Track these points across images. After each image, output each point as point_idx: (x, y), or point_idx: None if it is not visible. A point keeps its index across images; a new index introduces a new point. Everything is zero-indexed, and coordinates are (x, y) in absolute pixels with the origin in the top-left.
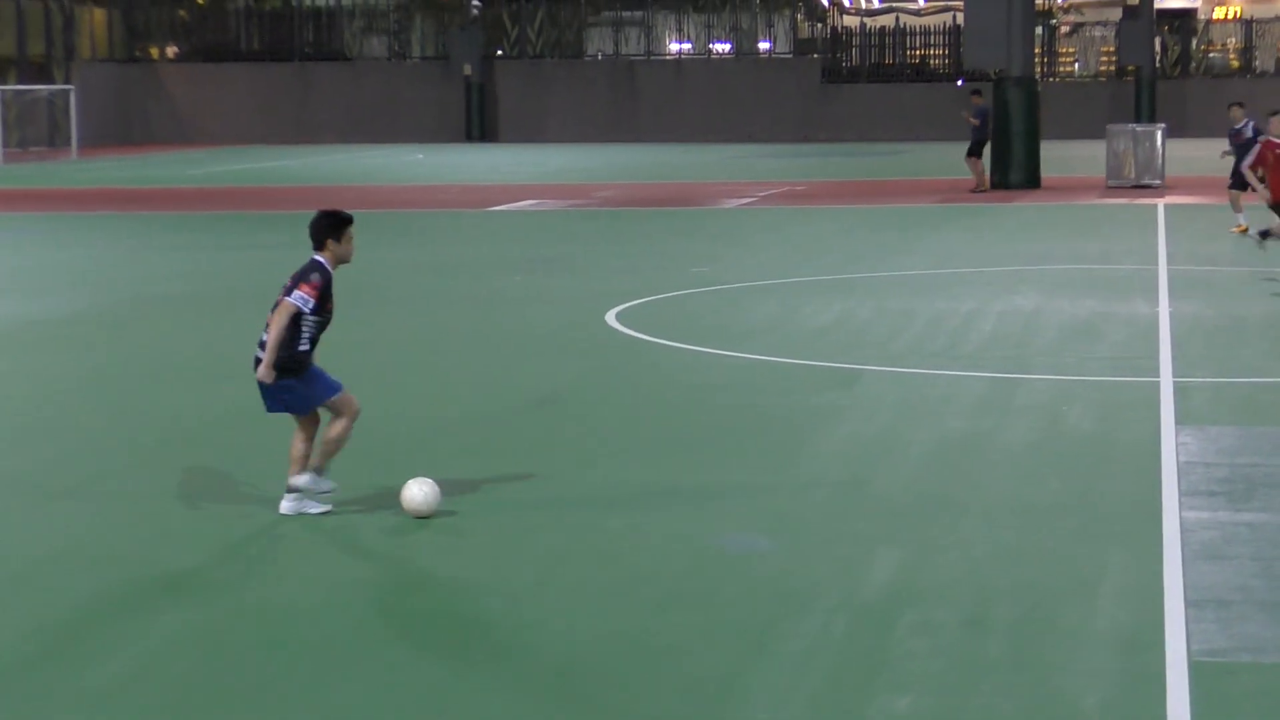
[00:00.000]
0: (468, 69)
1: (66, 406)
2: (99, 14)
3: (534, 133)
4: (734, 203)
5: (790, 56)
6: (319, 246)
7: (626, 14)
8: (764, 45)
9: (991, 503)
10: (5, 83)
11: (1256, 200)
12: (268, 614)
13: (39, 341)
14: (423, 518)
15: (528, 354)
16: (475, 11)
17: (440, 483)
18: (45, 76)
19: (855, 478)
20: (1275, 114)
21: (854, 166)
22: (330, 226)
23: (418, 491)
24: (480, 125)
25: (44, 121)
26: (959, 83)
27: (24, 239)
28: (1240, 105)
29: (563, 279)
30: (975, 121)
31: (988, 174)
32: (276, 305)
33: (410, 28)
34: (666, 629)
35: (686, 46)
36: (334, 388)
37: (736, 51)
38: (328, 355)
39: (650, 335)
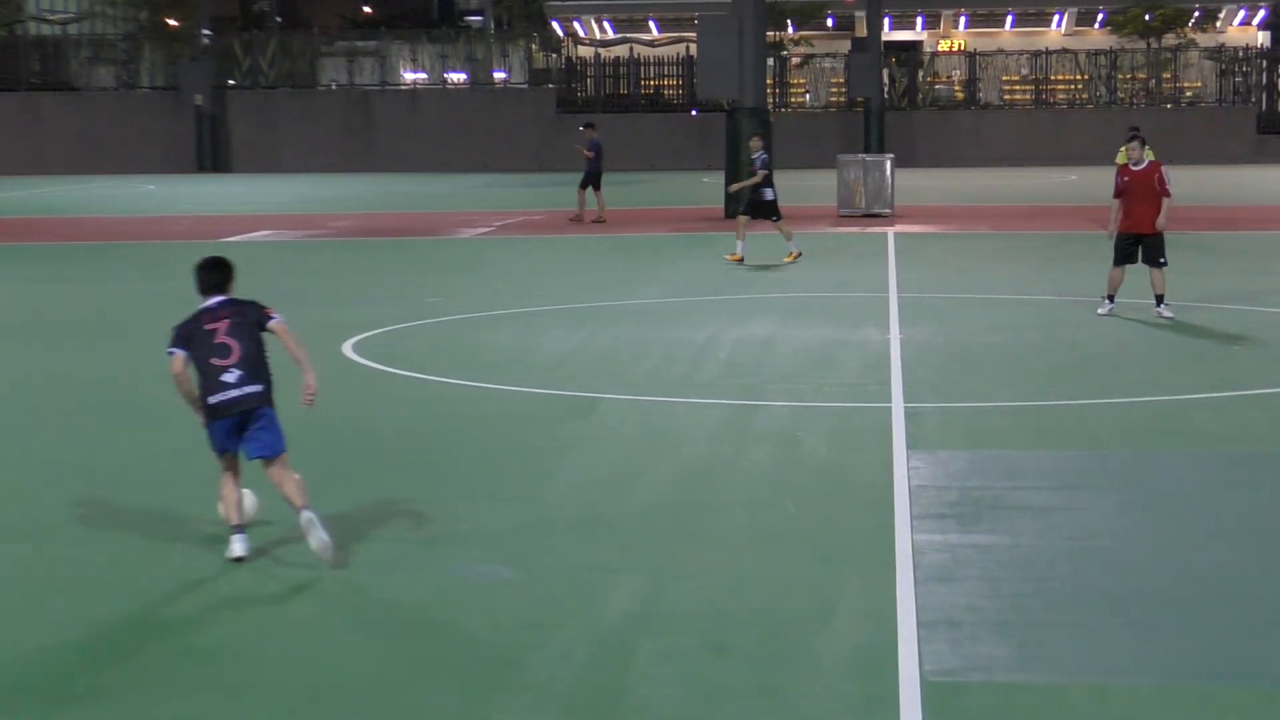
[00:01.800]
0: (199, 99)
1: None
2: None
3: (268, 163)
4: (470, 232)
5: (526, 86)
6: (225, 288)
7: (360, 44)
8: (499, 75)
9: (730, 529)
10: None
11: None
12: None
13: None
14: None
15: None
16: (205, 41)
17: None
18: None
19: (595, 506)
20: (1131, 140)
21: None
22: (229, 270)
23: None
24: (212, 156)
25: None
26: (693, 113)
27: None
28: (760, 135)
29: (298, 309)
30: (589, 154)
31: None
32: (221, 331)
33: (139, 58)
34: (404, 660)
35: (421, 76)
36: None
37: (472, 81)
38: (60, 389)
39: (387, 366)
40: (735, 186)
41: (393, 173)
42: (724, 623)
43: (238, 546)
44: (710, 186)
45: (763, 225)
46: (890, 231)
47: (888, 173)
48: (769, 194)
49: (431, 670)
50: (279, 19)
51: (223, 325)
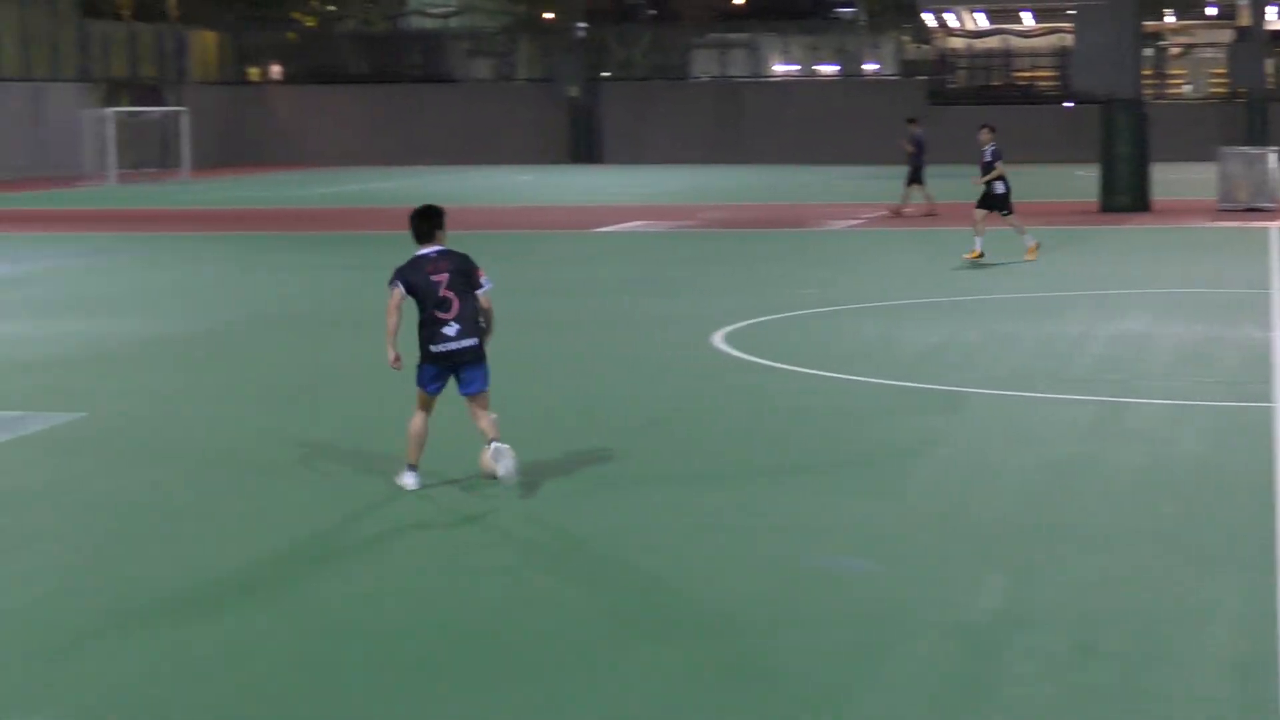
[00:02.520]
0: (573, 91)
1: (182, 425)
2: (210, 37)
3: (638, 154)
4: (840, 224)
5: (897, 78)
6: (434, 236)
7: (732, 36)
8: (870, 67)
9: (1099, 528)
10: (119, 105)
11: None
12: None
13: (152, 361)
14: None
15: (633, 376)
16: (581, 33)
17: (542, 506)
18: (157, 99)
19: (960, 502)
20: None
21: (959, 189)
22: (439, 217)
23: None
24: (585, 147)
25: (156, 143)
26: (1067, 105)
27: (136, 259)
28: (990, 127)
29: (668, 301)
30: (912, 149)
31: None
32: (443, 285)
33: (516, 50)
34: (772, 651)
35: (793, 68)
36: None
37: (843, 73)
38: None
39: (756, 357)
40: (978, 180)
41: (761, 164)
42: (1092, 622)
43: (409, 480)
44: (1084, 180)
45: (994, 220)
46: (1273, 227)
47: (1271, 166)
48: (1000, 187)
49: (794, 661)
50: (652, 11)
51: (444, 279)
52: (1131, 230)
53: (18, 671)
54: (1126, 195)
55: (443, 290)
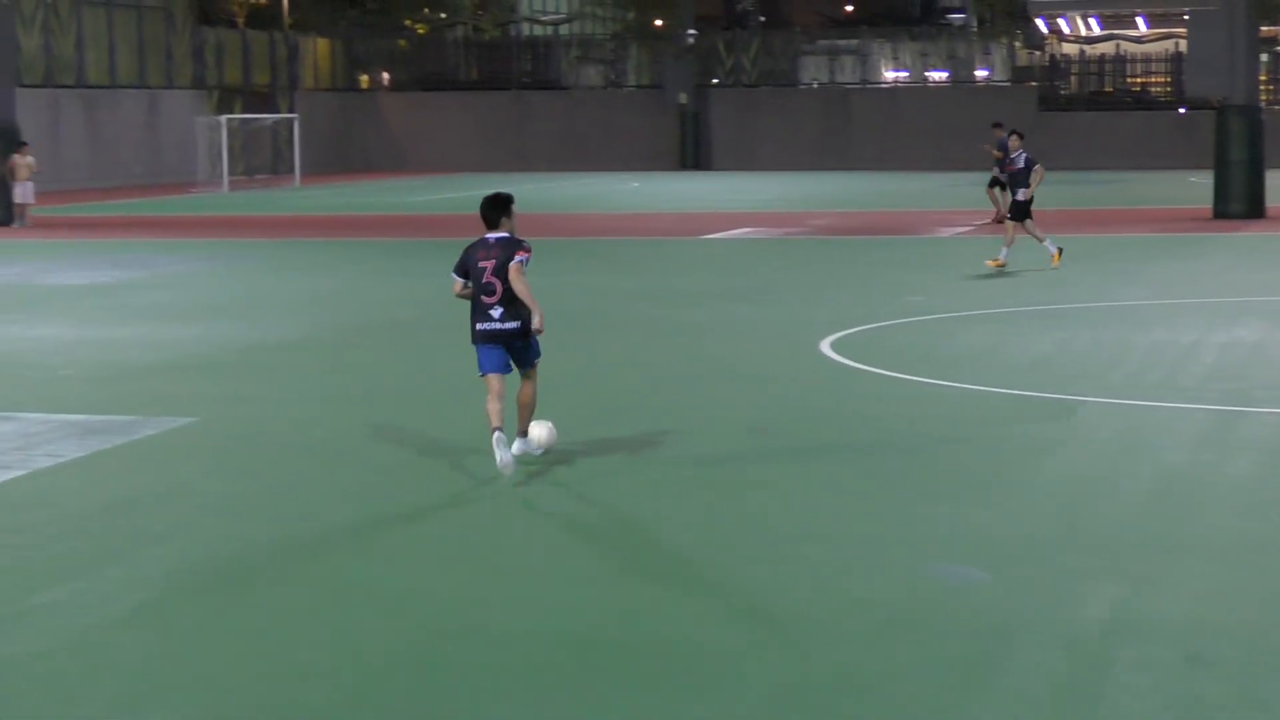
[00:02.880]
0: (682, 97)
1: (293, 430)
2: (322, 44)
3: (747, 161)
4: (949, 231)
5: (1008, 84)
6: (500, 224)
7: (842, 42)
8: (981, 73)
9: (1213, 539)
10: (232, 112)
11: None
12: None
13: (264, 366)
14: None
15: (740, 383)
16: (690, 40)
17: (645, 511)
18: (269, 105)
19: (1071, 511)
20: None
21: (1071, 195)
22: (506, 205)
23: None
24: (694, 153)
25: (268, 149)
26: (1180, 110)
27: (248, 265)
28: (1018, 134)
29: (777, 307)
30: (999, 154)
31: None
32: (489, 271)
33: (625, 57)
34: (880, 659)
35: (902, 74)
36: None
37: (953, 79)
38: (545, 380)
39: (864, 364)
40: (1025, 193)
41: (870, 171)
42: (1206, 634)
43: (499, 448)
44: (1197, 187)
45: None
46: None
47: None
48: (1022, 194)
49: (904, 671)
50: (762, 18)
51: (490, 265)
52: (1245, 237)
53: (135, 673)
54: (1240, 202)
55: (487, 275)
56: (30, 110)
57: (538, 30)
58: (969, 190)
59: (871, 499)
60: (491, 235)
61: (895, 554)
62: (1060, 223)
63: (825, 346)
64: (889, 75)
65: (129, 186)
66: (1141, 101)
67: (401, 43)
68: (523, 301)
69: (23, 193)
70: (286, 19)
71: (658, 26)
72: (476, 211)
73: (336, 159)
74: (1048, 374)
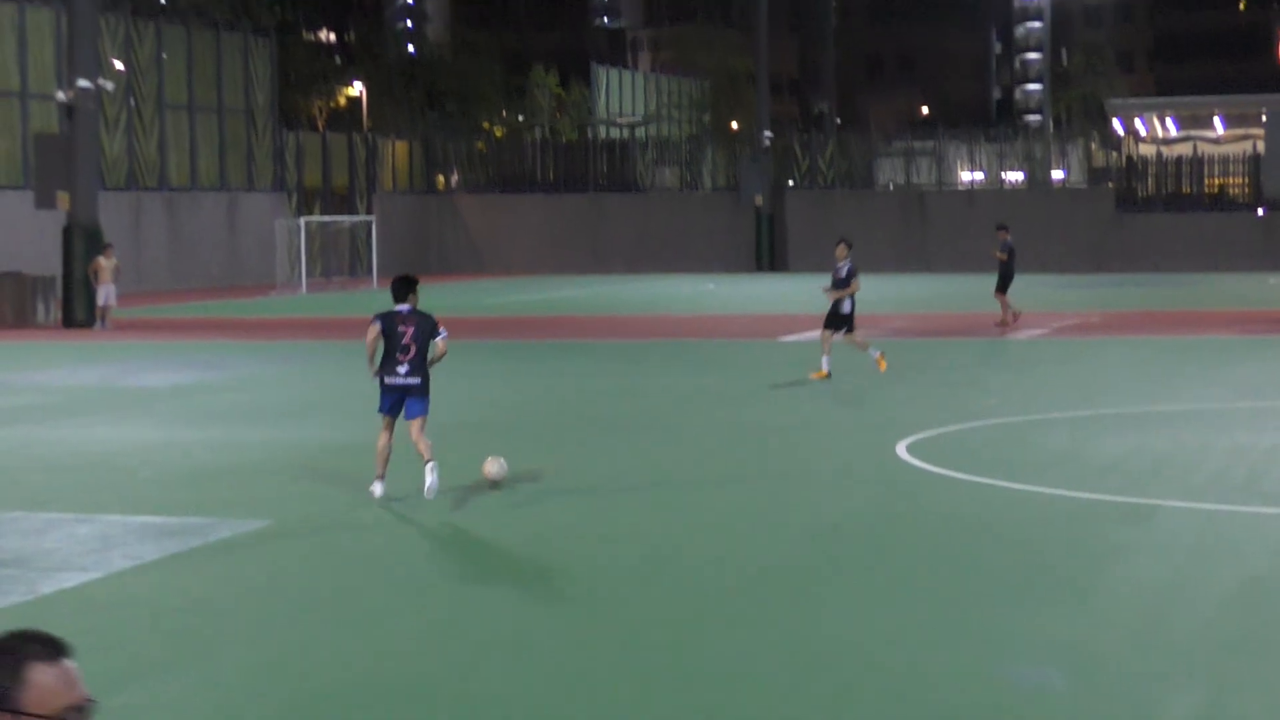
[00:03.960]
0: (758, 199)
1: (366, 532)
2: (400, 146)
3: (823, 262)
4: (1026, 334)
5: (1084, 186)
6: (407, 298)
7: (918, 144)
8: (1058, 174)
9: None
10: (311, 213)
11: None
12: None
13: (341, 468)
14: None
15: (815, 483)
16: (766, 142)
17: (719, 610)
18: (348, 207)
19: (1153, 615)
20: None
21: (1150, 297)
22: (413, 284)
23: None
24: (769, 254)
25: (346, 251)
26: (1259, 211)
27: (325, 366)
28: (846, 242)
29: (852, 409)
30: (1003, 257)
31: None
32: (408, 335)
33: (701, 159)
34: None
35: (978, 176)
36: None
37: (1029, 180)
38: (622, 482)
39: (939, 467)
40: (832, 295)
41: (947, 273)
42: None
43: (377, 489)
44: (1277, 289)
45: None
46: None
47: None
48: (847, 306)
49: None
50: (838, 120)
51: (410, 331)
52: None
53: None
54: None
55: (406, 339)
56: (113, 212)
57: (614, 132)
58: (1046, 292)
59: (948, 601)
60: (403, 307)
61: (970, 656)
62: (1138, 324)
63: (901, 449)
64: (965, 177)
65: (209, 287)
66: (1219, 202)
67: (480, 145)
68: (425, 366)
69: (105, 294)
70: (366, 121)
71: (733, 129)
72: (553, 313)
73: (414, 260)
74: (1126, 477)
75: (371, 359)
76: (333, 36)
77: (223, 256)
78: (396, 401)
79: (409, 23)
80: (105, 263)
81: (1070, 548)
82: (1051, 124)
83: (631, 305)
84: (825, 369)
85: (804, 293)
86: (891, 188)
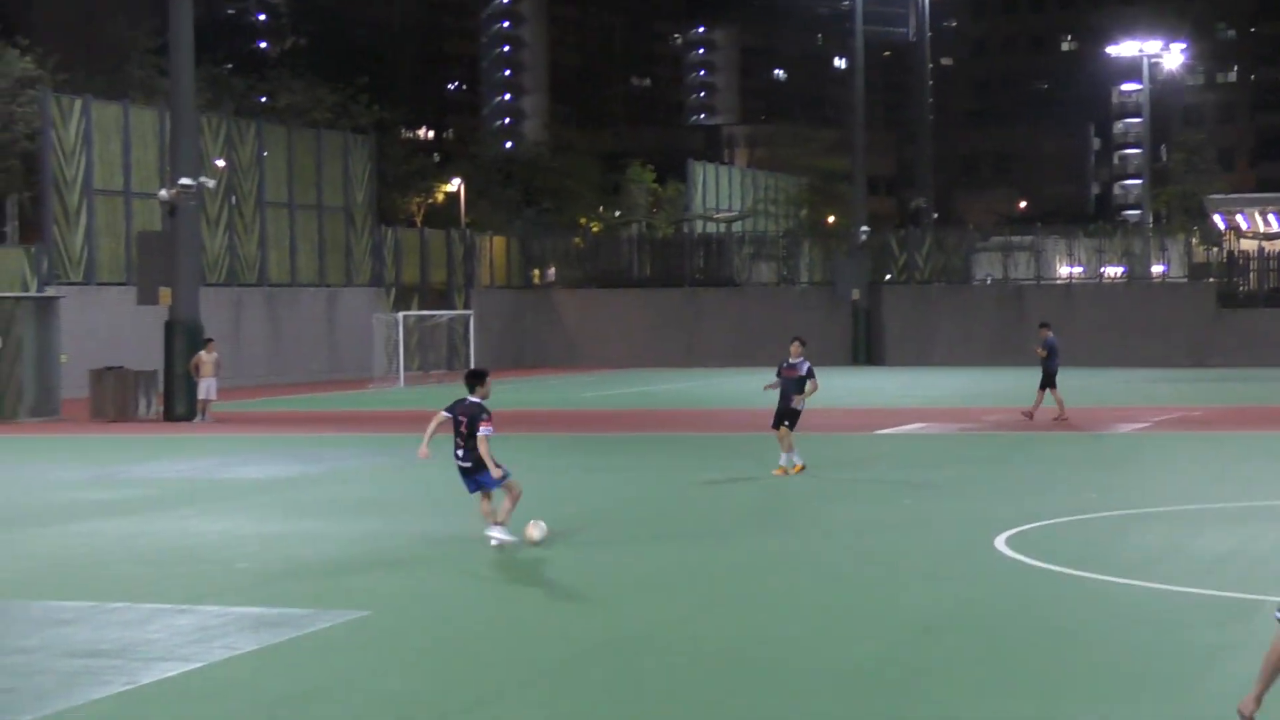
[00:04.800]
0: (855, 293)
1: (462, 626)
2: (498, 242)
3: (920, 356)
4: (1127, 427)
5: (1184, 280)
6: (475, 390)
7: (1015, 239)
8: (1158, 269)
9: None
10: (408, 308)
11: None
12: None
13: (438, 560)
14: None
15: (913, 579)
16: (863, 237)
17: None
18: (446, 302)
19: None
20: None
21: (1252, 392)
22: (481, 377)
23: (535, 530)
24: (866, 349)
25: (444, 345)
26: None
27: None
28: (800, 340)
29: (950, 503)
30: (1043, 353)
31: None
32: (463, 433)
33: (798, 254)
34: None
35: (1077, 270)
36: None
37: (1129, 275)
38: (732, 582)
39: (1039, 561)
40: (799, 399)
41: None
42: None
43: (496, 533)
44: None
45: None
46: None
47: None
48: (796, 402)
49: None
50: (935, 215)
51: (463, 421)
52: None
53: None
54: None
55: (462, 426)
56: (214, 307)
57: (710, 227)
58: (1146, 386)
59: (1049, 701)
60: (469, 398)
61: None
62: (1240, 419)
63: (1000, 543)
64: (1064, 271)
65: (308, 382)
66: None
67: (577, 240)
68: (475, 451)
69: (206, 389)
70: (464, 218)
71: (830, 224)
72: (646, 406)
73: (511, 355)
74: (1229, 574)
75: (425, 438)
76: (431, 134)
77: (322, 351)
78: (466, 481)
79: (507, 120)
80: (206, 357)
81: (1173, 645)
82: (1151, 219)
83: (727, 399)
84: (799, 462)
85: (901, 386)
86: (989, 282)
